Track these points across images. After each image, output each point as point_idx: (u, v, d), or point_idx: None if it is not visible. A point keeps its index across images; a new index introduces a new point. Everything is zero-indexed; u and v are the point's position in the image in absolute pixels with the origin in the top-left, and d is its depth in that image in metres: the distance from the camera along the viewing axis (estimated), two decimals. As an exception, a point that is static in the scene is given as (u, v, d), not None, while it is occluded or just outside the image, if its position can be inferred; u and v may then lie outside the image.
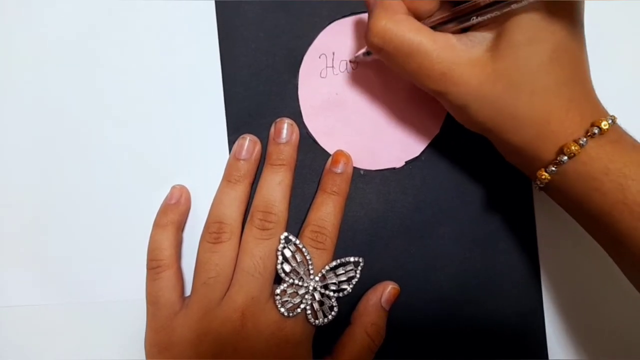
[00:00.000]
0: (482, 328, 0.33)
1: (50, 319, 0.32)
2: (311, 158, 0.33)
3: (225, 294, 0.29)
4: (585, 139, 0.24)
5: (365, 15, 0.32)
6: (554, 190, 0.27)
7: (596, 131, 0.24)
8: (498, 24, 0.25)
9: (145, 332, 0.30)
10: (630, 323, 0.33)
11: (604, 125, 0.24)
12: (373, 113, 0.33)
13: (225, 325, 0.29)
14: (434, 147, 0.33)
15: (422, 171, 0.33)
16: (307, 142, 0.33)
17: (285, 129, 0.31)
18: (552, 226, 0.33)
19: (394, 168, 0.33)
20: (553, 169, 0.25)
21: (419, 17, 0.27)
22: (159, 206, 0.32)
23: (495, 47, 0.25)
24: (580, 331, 0.33)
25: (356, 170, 0.33)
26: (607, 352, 0.33)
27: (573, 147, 0.24)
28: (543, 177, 0.26)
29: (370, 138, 0.33)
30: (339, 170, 0.31)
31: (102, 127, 0.32)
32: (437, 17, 0.27)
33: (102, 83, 0.32)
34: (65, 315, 0.32)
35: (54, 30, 0.32)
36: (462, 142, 0.33)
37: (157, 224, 0.31)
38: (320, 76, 0.33)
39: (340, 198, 0.31)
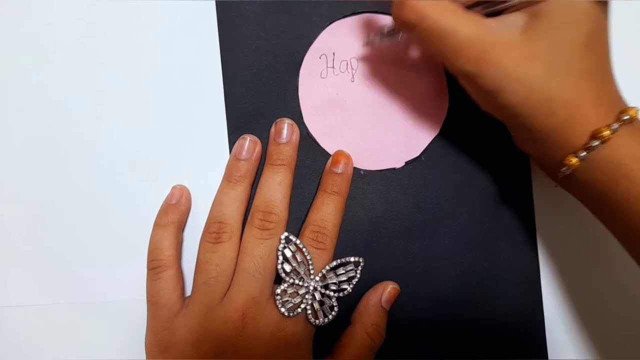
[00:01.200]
0: (482, 328, 0.33)
1: (50, 319, 0.32)
2: (311, 158, 0.33)
3: (225, 294, 0.29)
4: (617, 125, 0.24)
5: (365, 16, 0.32)
6: (576, 179, 0.26)
7: (626, 118, 0.24)
8: (533, 7, 0.25)
9: (146, 332, 0.30)
10: (630, 323, 0.33)
11: (633, 113, 0.24)
12: (373, 113, 0.33)
13: (225, 325, 0.29)
14: (434, 147, 0.33)
15: (422, 171, 0.33)
16: (307, 142, 0.33)
17: (286, 129, 0.31)
18: (552, 226, 0.33)
19: (394, 168, 0.33)
20: (584, 154, 0.25)
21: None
22: (159, 206, 0.32)
23: (531, 29, 0.25)
24: (580, 331, 0.33)
25: (356, 170, 0.33)
26: (607, 352, 0.33)
27: (605, 132, 0.24)
28: (572, 162, 0.25)
29: (370, 138, 0.33)
30: (339, 171, 0.31)
31: (102, 127, 0.32)
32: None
33: (103, 83, 0.32)
34: (65, 315, 0.32)
35: (54, 30, 0.32)
36: (462, 143, 0.33)
37: (157, 224, 0.31)
38: (321, 76, 0.33)
39: (341, 198, 0.31)
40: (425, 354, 0.33)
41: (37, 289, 0.32)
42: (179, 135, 0.32)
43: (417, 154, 0.33)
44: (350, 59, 0.33)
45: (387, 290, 0.31)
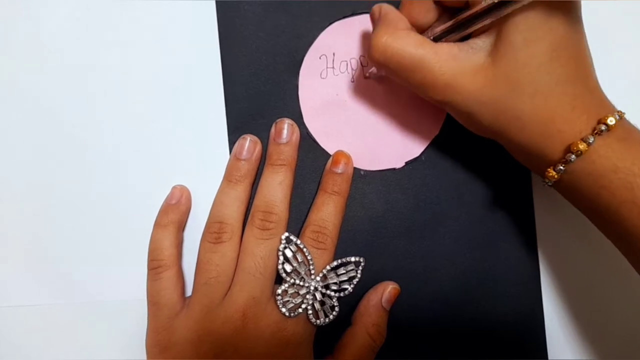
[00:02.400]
0: (482, 328, 0.33)
1: (50, 319, 0.32)
2: (311, 158, 0.33)
3: (226, 294, 0.29)
4: (592, 138, 0.24)
5: (365, 16, 0.32)
6: (562, 187, 0.27)
7: (603, 128, 0.24)
8: (497, 28, 0.25)
9: (146, 332, 0.30)
10: (630, 323, 0.33)
11: (610, 121, 0.24)
12: (373, 113, 0.33)
13: (226, 325, 0.29)
14: (434, 147, 0.33)
15: (422, 171, 0.33)
16: (307, 143, 0.33)
17: (286, 129, 0.31)
18: (552, 226, 0.33)
19: (394, 168, 0.33)
20: (561, 167, 0.25)
21: (420, 29, 0.28)
22: (159, 206, 0.32)
23: (495, 51, 0.25)
24: (580, 331, 0.33)
25: (356, 170, 0.33)
26: (607, 352, 0.33)
27: (581, 146, 0.24)
28: (551, 175, 0.26)
29: (370, 138, 0.33)
30: (339, 171, 0.31)
31: (102, 128, 0.32)
32: (438, 28, 0.27)
33: (102, 83, 0.32)
34: (65, 315, 0.32)
35: (54, 30, 0.32)
36: (462, 143, 0.33)
37: (157, 224, 0.31)
38: (321, 77, 0.33)
39: (341, 198, 0.31)
40: (425, 354, 0.33)
41: (37, 289, 0.32)
42: (179, 135, 0.32)
43: (417, 154, 0.33)
44: (350, 59, 0.33)
45: (387, 290, 0.31)
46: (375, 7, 0.29)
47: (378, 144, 0.33)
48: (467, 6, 0.26)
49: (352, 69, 0.33)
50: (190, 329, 0.29)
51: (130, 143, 0.32)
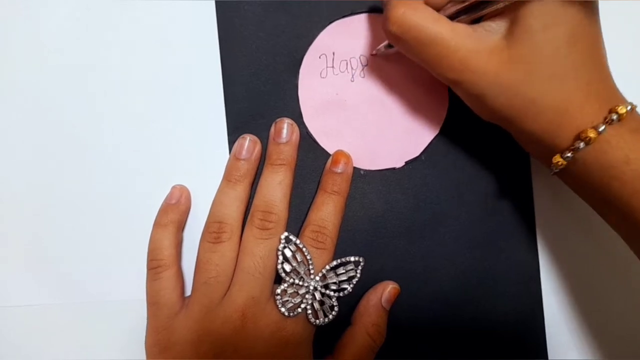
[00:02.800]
0: (482, 328, 0.33)
1: (50, 319, 0.32)
2: (311, 158, 0.33)
3: (225, 294, 0.29)
4: (603, 126, 0.24)
5: (365, 15, 0.32)
6: (570, 176, 0.27)
7: (614, 117, 0.24)
8: (512, 12, 0.25)
9: (146, 332, 0.30)
10: (631, 323, 0.33)
11: (622, 110, 0.24)
12: (373, 113, 0.33)
13: (225, 325, 0.29)
14: (434, 147, 0.33)
15: (422, 171, 0.33)
16: (307, 142, 0.33)
17: (285, 128, 0.31)
18: (552, 226, 0.33)
19: (394, 168, 0.33)
20: (569, 155, 0.25)
21: (434, 7, 0.27)
22: (159, 206, 0.32)
23: (510, 34, 0.25)
24: (580, 331, 0.33)
25: (356, 170, 0.33)
26: (608, 352, 0.33)
27: (591, 134, 0.24)
28: (558, 162, 0.25)
29: (370, 138, 0.33)
30: (339, 170, 0.31)
31: (102, 127, 0.32)
32: (452, 9, 0.27)
33: (102, 83, 0.32)
34: (65, 315, 0.32)
35: (54, 30, 0.32)
36: (462, 142, 0.33)
37: (157, 224, 0.31)
38: (321, 76, 0.33)
39: (341, 198, 0.31)
40: (425, 354, 0.32)
41: (37, 289, 0.32)
42: (179, 135, 0.32)
43: (417, 153, 0.33)
44: (350, 58, 0.33)
45: (387, 290, 0.31)
46: None
47: (378, 143, 0.33)
48: None
49: (352, 68, 0.33)
50: (190, 328, 0.29)
51: (130, 143, 0.32)
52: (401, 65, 0.33)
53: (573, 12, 0.24)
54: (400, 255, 0.33)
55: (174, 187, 0.32)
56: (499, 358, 0.33)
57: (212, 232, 0.30)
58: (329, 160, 0.32)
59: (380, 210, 0.33)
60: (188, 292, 0.31)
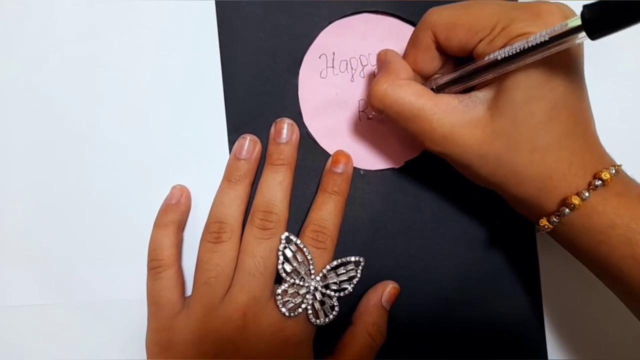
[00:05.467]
0: (482, 328, 0.33)
1: (50, 319, 0.32)
2: (311, 158, 0.33)
3: (226, 294, 0.29)
4: (587, 193, 0.24)
5: (365, 15, 0.32)
6: (560, 238, 0.27)
7: (598, 183, 0.24)
8: (498, 83, 0.25)
9: (146, 332, 0.30)
10: (631, 323, 0.33)
11: (605, 175, 0.24)
12: (373, 113, 0.33)
13: (226, 325, 0.29)
14: (434, 147, 0.33)
15: (422, 171, 0.33)
16: (307, 142, 0.33)
17: (286, 129, 0.31)
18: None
19: (394, 168, 0.33)
20: (555, 219, 0.25)
21: (423, 76, 0.28)
22: (159, 206, 0.32)
23: (495, 105, 0.25)
24: (579, 332, 0.33)
25: (356, 170, 0.33)
26: (607, 353, 0.33)
27: (575, 200, 0.24)
28: (545, 225, 0.26)
29: (370, 138, 0.33)
30: (339, 170, 0.31)
31: (102, 127, 0.32)
32: (441, 79, 0.27)
33: (102, 83, 0.32)
34: (65, 315, 0.32)
35: (54, 30, 0.32)
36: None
37: (157, 224, 0.31)
38: (321, 76, 0.33)
39: (341, 198, 0.31)
40: (425, 354, 0.33)
41: (37, 289, 0.32)
42: (179, 135, 0.32)
43: (417, 153, 0.33)
44: (350, 58, 0.33)
45: (387, 289, 0.31)
46: (381, 52, 0.29)
47: (378, 143, 0.33)
48: (472, 57, 0.26)
49: (352, 68, 0.33)
50: (191, 328, 0.29)
51: (131, 143, 0.32)
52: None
53: (557, 84, 0.24)
54: (400, 255, 0.33)
55: (174, 187, 0.32)
56: (499, 358, 0.33)
57: (213, 232, 0.30)
58: (329, 161, 0.32)
59: (380, 210, 0.33)
60: (189, 292, 0.31)
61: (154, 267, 0.30)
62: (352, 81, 0.33)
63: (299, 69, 0.33)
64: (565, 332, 0.33)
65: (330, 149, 0.33)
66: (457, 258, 0.33)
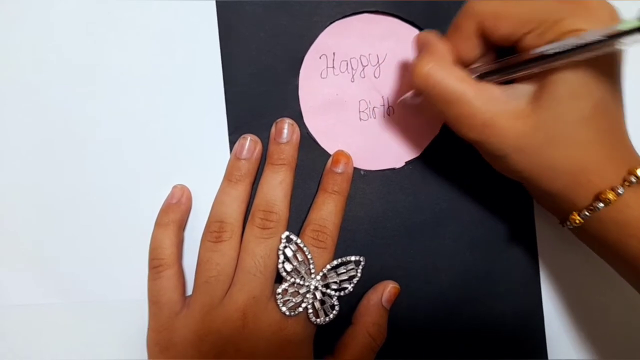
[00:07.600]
0: (482, 328, 0.33)
1: (50, 319, 0.32)
2: (312, 158, 0.33)
3: (226, 294, 0.29)
4: (622, 189, 0.24)
5: (365, 15, 0.32)
6: (585, 233, 0.27)
7: (633, 180, 0.24)
8: (541, 77, 0.25)
9: (147, 332, 0.30)
10: (630, 323, 0.33)
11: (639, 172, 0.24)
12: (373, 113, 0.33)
13: (226, 324, 0.29)
14: (434, 147, 0.33)
15: (422, 171, 0.33)
16: (307, 142, 0.33)
17: (286, 129, 0.31)
18: (552, 226, 0.33)
19: (394, 168, 0.33)
20: (587, 214, 0.25)
21: (463, 64, 0.28)
22: (160, 206, 0.32)
23: (537, 99, 0.25)
24: (579, 331, 0.33)
25: (356, 170, 0.33)
26: (607, 353, 0.33)
27: (610, 195, 0.24)
28: (576, 220, 0.26)
29: (370, 138, 0.33)
30: (339, 170, 0.31)
31: (102, 127, 0.32)
32: (483, 67, 0.27)
33: (102, 83, 0.32)
34: (65, 315, 0.32)
35: (54, 30, 0.32)
36: (462, 142, 0.33)
37: (158, 224, 0.31)
38: (321, 76, 0.33)
39: (341, 197, 0.31)
40: (425, 354, 0.33)
41: (37, 289, 0.32)
42: (180, 135, 0.32)
43: (417, 154, 0.33)
44: (350, 59, 0.33)
45: (387, 289, 0.31)
46: (421, 34, 0.29)
47: (378, 144, 0.33)
48: (514, 48, 0.26)
49: (352, 68, 0.33)
50: (191, 328, 0.29)
51: (131, 143, 0.32)
52: (401, 65, 0.33)
53: (600, 85, 0.24)
54: (400, 255, 0.33)
55: (174, 187, 0.32)
56: (499, 358, 0.33)
57: (213, 232, 0.30)
58: (330, 160, 0.32)
59: (380, 210, 0.33)
60: (189, 291, 0.31)
61: (155, 266, 0.30)
62: (352, 81, 0.33)
63: (299, 69, 0.33)
64: (565, 332, 0.33)
65: (331, 149, 0.33)
66: (457, 258, 0.33)
